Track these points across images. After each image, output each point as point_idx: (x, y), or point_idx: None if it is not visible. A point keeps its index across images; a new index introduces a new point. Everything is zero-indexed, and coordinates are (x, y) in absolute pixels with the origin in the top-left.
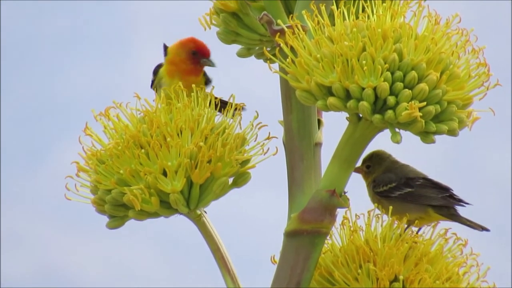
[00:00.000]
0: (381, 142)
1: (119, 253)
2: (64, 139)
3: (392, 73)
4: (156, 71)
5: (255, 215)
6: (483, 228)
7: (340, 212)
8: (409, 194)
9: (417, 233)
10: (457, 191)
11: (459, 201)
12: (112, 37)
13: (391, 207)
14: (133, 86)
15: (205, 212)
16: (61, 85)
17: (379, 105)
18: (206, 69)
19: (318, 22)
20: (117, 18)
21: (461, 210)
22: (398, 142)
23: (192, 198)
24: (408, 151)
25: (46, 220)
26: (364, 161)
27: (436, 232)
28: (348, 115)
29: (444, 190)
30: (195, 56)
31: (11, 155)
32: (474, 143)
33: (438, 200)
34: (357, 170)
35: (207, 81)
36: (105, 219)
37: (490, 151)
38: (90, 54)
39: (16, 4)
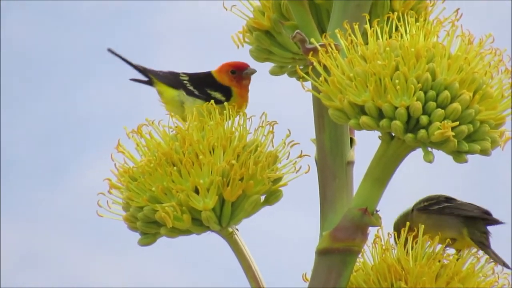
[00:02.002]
0: (414, 161)
1: (145, 271)
2: (85, 156)
3: (425, 93)
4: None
5: (287, 233)
6: (504, 265)
7: (372, 231)
8: (447, 207)
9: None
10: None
11: (495, 220)
12: (136, 52)
13: (422, 226)
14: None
15: (237, 229)
16: (82, 101)
17: (411, 124)
18: None
19: (351, 41)
20: (141, 33)
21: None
22: (430, 162)
23: (224, 216)
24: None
25: (66, 237)
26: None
27: (467, 250)
28: (380, 134)
29: (482, 209)
30: (235, 74)
31: (32, 171)
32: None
33: (473, 212)
34: None
35: None
36: (132, 236)
37: None
38: (112, 70)
39: (38, 21)
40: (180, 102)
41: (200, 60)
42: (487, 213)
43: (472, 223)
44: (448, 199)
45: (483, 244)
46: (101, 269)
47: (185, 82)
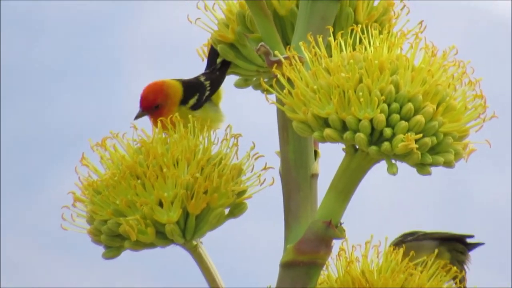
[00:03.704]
0: (378, 173)
1: (114, 283)
2: (58, 168)
3: (389, 105)
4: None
5: (251, 245)
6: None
7: (336, 243)
8: (422, 234)
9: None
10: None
11: (472, 243)
12: (106, 65)
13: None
14: (128, 115)
15: (201, 242)
16: (55, 113)
17: (375, 137)
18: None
19: (315, 54)
20: (112, 47)
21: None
22: (394, 174)
23: (188, 229)
24: (404, 182)
25: (41, 249)
26: None
27: (431, 262)
28: (344, 146)
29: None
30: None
31: (5, 183)
32: (470, 174)
33: (448, 234)
34: None
35: (187, 102)
36: (101, 248)
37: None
38: (84, 82)
39: (8, 32)
40: None
41: (168, 74)
42: (465, 236)
43: (450, 245)
44: (419, 231)
45: (458, 262)
46: (71, 279)
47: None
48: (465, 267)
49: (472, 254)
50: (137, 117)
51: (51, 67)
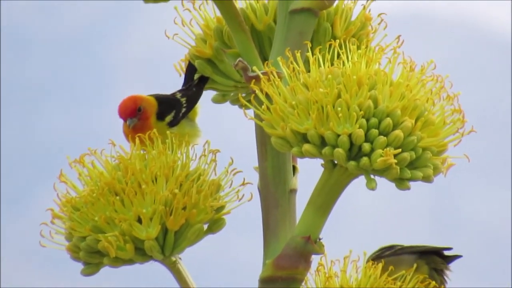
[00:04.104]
0: (357, 188)
1: None
2: (41, 185)
3: (367, 120)
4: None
5: (230, 261)
6: None
7: (315, 259)
8: (400, 248)
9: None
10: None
11: (450, 256)
12: (88, 83)
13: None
14: (109, 133)
15: (180, 258)
16: (39, 131)
17: (354, 152)
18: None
19: (294, 69)
20: (94, 64)
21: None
22: (373, 189)
23: (167, 245)
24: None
25: (23, 266)
26: None
27: (411, 277)
28: (323, 162)
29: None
30: (124, 121)
31: None
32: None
33: (427, 247)
34: None
35: (164, 118)
36: (80, 265)
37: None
38: (71, 99)
39: None
40: None
41: (156, 89)
42: (443, 248)
43: (429, 258)
44: (396, 245)
45: (438, 274)
46: None
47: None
48: (445, 279)
49: (460, 267)
50: (131, 124)
51: (38, 84)
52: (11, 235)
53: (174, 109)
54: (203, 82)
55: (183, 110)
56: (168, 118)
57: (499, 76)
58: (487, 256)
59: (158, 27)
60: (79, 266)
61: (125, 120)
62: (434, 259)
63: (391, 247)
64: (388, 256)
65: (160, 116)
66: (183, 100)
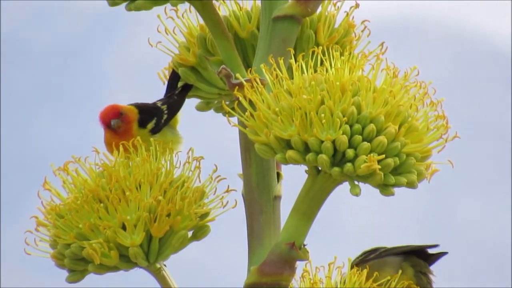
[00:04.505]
0: (341, 195)
1: None
2: (30, 194)
3: (351, 126)
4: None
5: (215, 268)
6: None
7: (300, 265)
8: (384, 250)
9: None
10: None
11: (436, 254)
12: (76, 91)
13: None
14: (93, 140)
15: (165, 265)
16: (33, 138)
17: (338, 158)
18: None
19: (277, 76)
20: (83, 72)
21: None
22: (357, 195)
23: (152, 252)
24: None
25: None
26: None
27: (397, 283)
28: (307, 168)
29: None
30: (107, 126)
31: None
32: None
33: (410, 246)
34: None
35: (146, 125)
36: (65, 273)
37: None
38: (63, 107)
39: None
40: None
41: (147, 97)
42: (428, 246)
43: (413, 260)
44: (381, 247)
45: (423, 276)
46: None
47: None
48: (431, 280)
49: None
50: (116, 125)
51: (30, 91)
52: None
53: (155, 117)
54: (186, 90)
55: (165, 117)
56: (150, 125)
57: (499, 85)
58: (480, 261)
59: (141, 36)
60: (56, 276)
61: (107, 125)
62: (419, 262)
63: (374, 250)
64: (373, 259)
65: (142, 123)
66: (164, 107)
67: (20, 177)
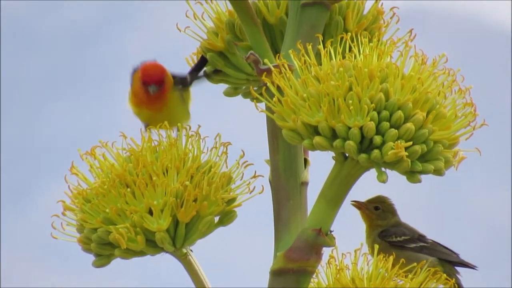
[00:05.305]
0: (368, 181)
1: None
2: (53, 178)
3: (379, 113)
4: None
5: (241, 253)
6: None
7: (326, 251)
8: (425, 247)
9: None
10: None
11: (469, 265)
12: (97, 75)
13: (377, 246)
14: (119, 125)
15: (191, 250)
16: (40, 126)
17: (365, 145)
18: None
19: (305, 62)
20: (102, 57)
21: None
22: (384, 182)
23: (178, 237)
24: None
25: (34, 260)
26: (373, 201)
27: (420, 270)
28: (334, 155)
29: (456, 254)
30: (145, 86)
31: None
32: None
33: (456, 259)
34: (362, 207)
35: (184, 86)
36: (92, 257)
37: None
38: (77, 93)
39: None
40: None
41: None
42: (463, 262)
43: (446, 264)
44: (421, 237)
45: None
46: None
47: None
48: (456, 275)
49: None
50: (154, 91)
51: (45, 78)
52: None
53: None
54: (206, 75)
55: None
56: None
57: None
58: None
59: (169, 21)
60: (82, 261)
61: (148, 84)
62: (451, 269)
63: (412, 239)
64: (411, 250)
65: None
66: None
67: (27, 167)
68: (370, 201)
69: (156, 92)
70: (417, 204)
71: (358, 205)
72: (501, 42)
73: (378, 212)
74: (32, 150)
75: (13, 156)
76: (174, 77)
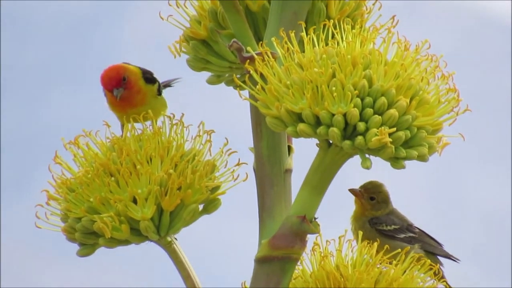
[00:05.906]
0: (352, 168)
1: (91, 281)
2: (40, 168)
3: (362, 99)
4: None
5: (226, 241)
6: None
7: (310, 238)
8: (413, 238)
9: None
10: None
11: (451, 257)
12: (83, 65)
13: (360, 232)
14: (104, 115)
15: (176, 239)
16: (38, 113)
17: (349, 131)
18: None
19: (288, 49)
20: (90, 47)
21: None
22: (368, 168)
23: (163, 225)
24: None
25: (22, 249)
26: (369, 190)
27: (405, 256)
28: (318, 142)
29: (439, 243)
30: (109, 92)
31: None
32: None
33: (441, 251)
34: (359, 196)
35: (160, 91)
36: (76, 246)
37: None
38: (73, 82)
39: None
40: None
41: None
42: (447, 254)
43: (431, 256)
44: (410, 226)
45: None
46: (56, 277)
47: None
48: (440, 266)
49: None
50: (118, 95)
51: (43, 67)
52: (12, 218)
53: (157, 81)
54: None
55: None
56: (155, 86)
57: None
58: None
59: (152, 10)
60: (75, 248)
61: (110, 90)
62: (436, 260)
63: (401, 229)
64: (400, 240)
65: (148, 81)
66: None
67: (26, 153)
68: (366, 189)
69: (122, 92)
70: (416, 193)
71: (355, 193)
72: (502, 31)
73: (373, 202)
74: (22, 139)
75: (13, 144)
76: (147, 72)
